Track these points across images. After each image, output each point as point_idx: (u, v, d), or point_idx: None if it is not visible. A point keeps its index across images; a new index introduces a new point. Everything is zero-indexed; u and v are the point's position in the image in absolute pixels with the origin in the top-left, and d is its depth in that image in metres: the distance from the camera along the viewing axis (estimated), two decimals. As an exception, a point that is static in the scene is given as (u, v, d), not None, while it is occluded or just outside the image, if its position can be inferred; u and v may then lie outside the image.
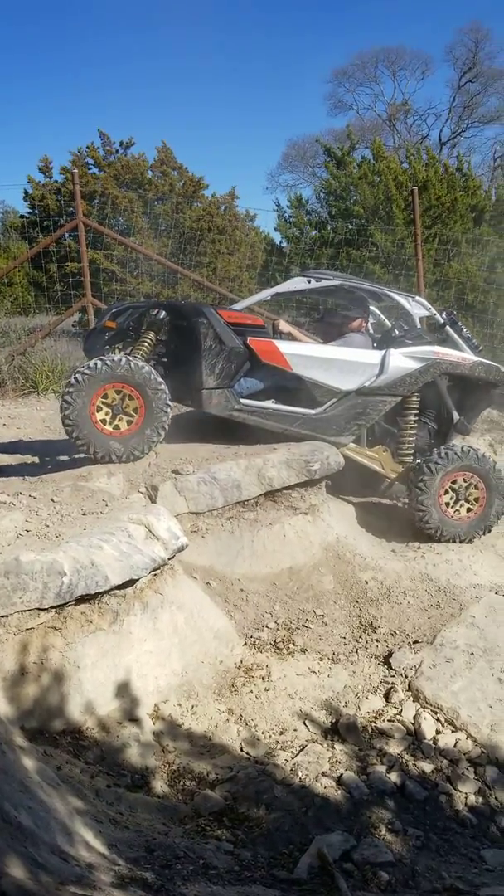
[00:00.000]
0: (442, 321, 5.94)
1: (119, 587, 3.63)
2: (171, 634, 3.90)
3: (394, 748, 3.76)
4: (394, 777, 3.56)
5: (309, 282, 5.60)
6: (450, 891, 2.87)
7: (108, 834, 2.72)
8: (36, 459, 5.65)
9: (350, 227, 12.85)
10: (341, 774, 3.49)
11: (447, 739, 3.88)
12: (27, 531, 3.86)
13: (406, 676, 4.22)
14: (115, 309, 5.49)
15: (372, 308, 6.19)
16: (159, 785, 3.30)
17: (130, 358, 4.93)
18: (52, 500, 4.39)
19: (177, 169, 19.22)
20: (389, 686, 4.15)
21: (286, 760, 3.56)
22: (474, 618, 4.71)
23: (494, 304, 11.12)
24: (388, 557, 5.30)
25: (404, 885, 2.88)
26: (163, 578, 4.04)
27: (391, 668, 4.27)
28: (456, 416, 5.91)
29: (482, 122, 35.50)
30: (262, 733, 3.74)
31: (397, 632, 4.59)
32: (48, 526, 3.96)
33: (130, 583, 3.71)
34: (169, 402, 5.00)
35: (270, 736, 3.74)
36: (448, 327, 5.91)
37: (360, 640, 4.51)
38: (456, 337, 5.90)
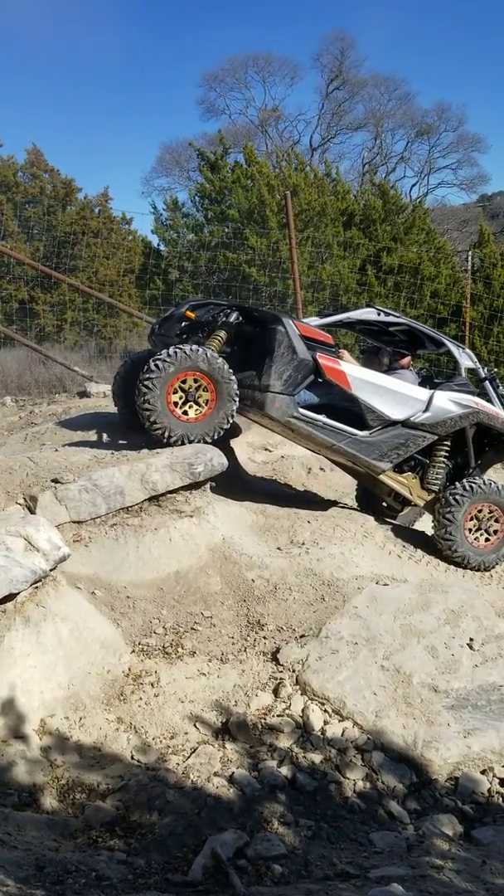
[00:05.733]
0: (483, 376, 6.38)
1: (-2, 602, 3.53)
2: (56, 647, 3.82)
3: (284, 742, 3.83)
4: (284, 771, 3.62)
5: (378, 314, 6.03)
6: (341, 876, 2.95)
7: (-6, 857, 2.64)
8: None
9: (226, 230, 12.95)
10: (233, 773, 3.53)
11: (335, 729, 3.99)
12: None
13: (294, 671, 4.31)
14: (195, 302, 5.72)
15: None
16: (49, 801, 3.23)
17: (206, 349, 5.18)
18: None
19: (48, 171, 18.82)
20: (278, 681, 4.22)
21: (178, 764, 3.56)
22: (357, 608, 4.86)
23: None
24: (273, 555, 5.38)
25: (297, 876, 2.94)
26: (45, 590, 3.95)
27: (279, 664, 4.35)
28: (473, 462, 6.27)
29: (350, 129, 36.63)
30: (153, 739, 3.72)
31: (284, 627, 4.67)
32: None
33: (10, 597, 3.61)
34: (237, 392, 5.28)
35: (161, 741, 3.73)
36: (487, 382, 6.36)
37: (249, 638, 4.56)
38: (492, 392, 6.34)
